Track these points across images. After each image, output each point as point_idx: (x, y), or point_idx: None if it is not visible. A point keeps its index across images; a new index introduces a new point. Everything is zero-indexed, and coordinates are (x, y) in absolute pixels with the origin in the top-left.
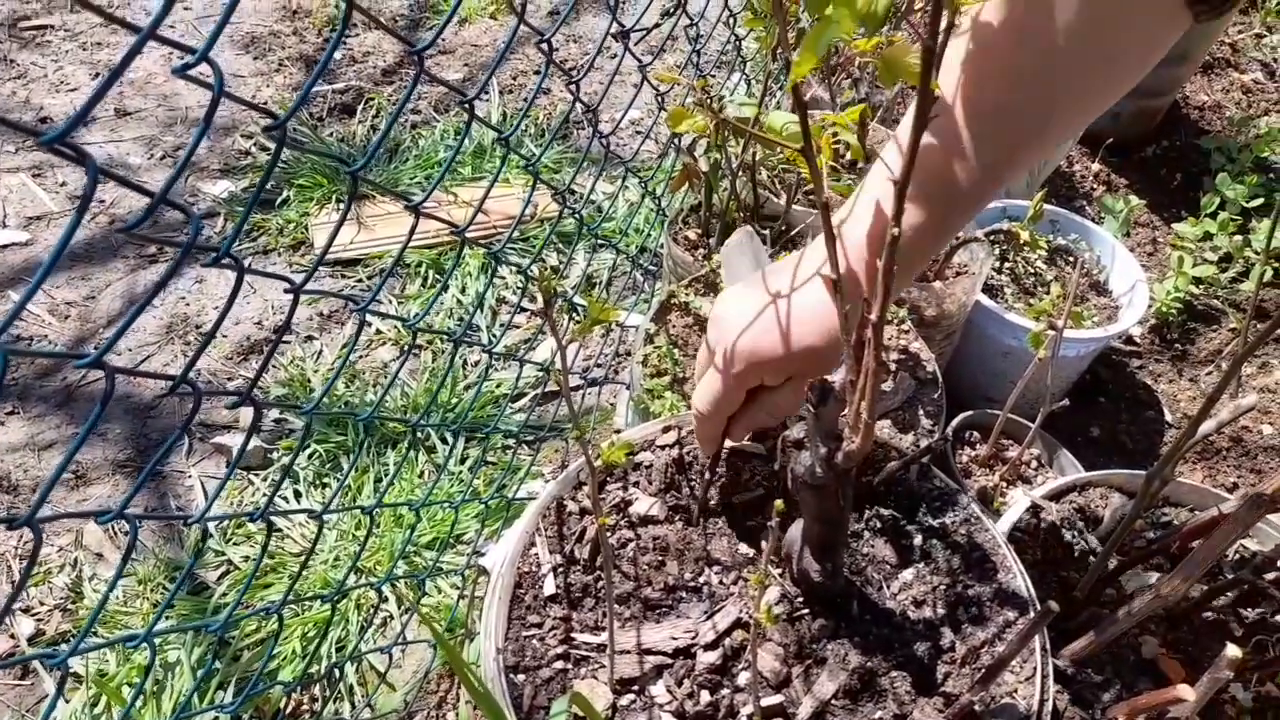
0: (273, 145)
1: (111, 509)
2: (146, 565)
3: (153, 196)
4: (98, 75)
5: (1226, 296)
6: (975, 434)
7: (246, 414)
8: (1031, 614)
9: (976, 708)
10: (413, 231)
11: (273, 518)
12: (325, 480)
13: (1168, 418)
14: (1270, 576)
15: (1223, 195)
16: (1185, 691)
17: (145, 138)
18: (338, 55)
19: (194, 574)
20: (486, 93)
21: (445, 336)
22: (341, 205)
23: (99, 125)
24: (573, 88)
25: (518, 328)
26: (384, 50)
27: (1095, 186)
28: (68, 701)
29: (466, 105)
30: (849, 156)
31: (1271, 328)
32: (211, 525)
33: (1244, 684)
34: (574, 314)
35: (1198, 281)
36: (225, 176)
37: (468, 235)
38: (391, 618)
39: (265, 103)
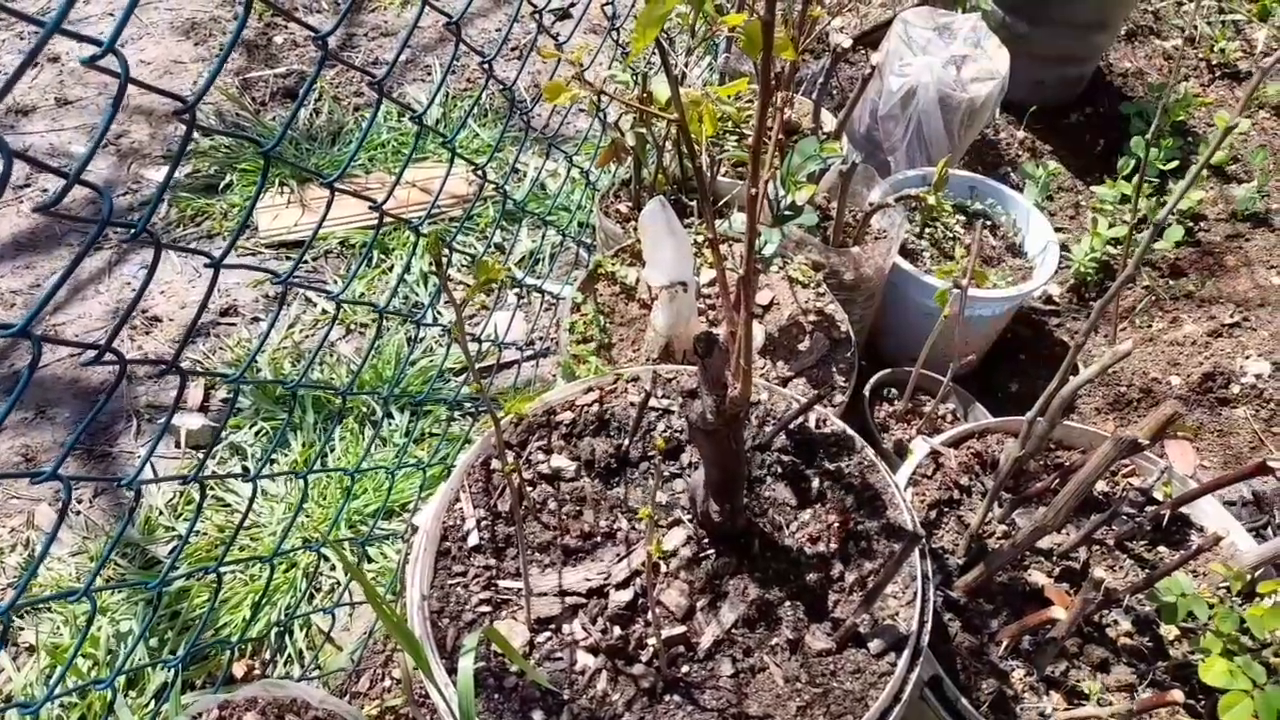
0: (214, 132)
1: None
2: (98, 543)
3: (67, 176)
4: (38, 66)
5: (1142, 256)
6: (894, 391)
7: (196, 395)
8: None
9: (861, 629)
10: (329, 206)
11: (216, 490)
12: (275, 459)
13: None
14: (1149, 510)
15: (1137, 158)
16: (1058, 612)
17: (87, 126)
18: (279, 40)
19: (145, 549)
20: (429, 75)
21: (371, 308)
22: (286, 189)
23: (40, 114)
24: (485, 66)
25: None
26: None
27: (1021, 153)
28: (19, 670)
29: (375, 85)
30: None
31: (1122, 284)
32: (161, 502)
33: (1124, 609)
34: (518, 288)
35: (1115, 242)
36: (168, 163)
37: (408, 217)
38: (339, 584)
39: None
